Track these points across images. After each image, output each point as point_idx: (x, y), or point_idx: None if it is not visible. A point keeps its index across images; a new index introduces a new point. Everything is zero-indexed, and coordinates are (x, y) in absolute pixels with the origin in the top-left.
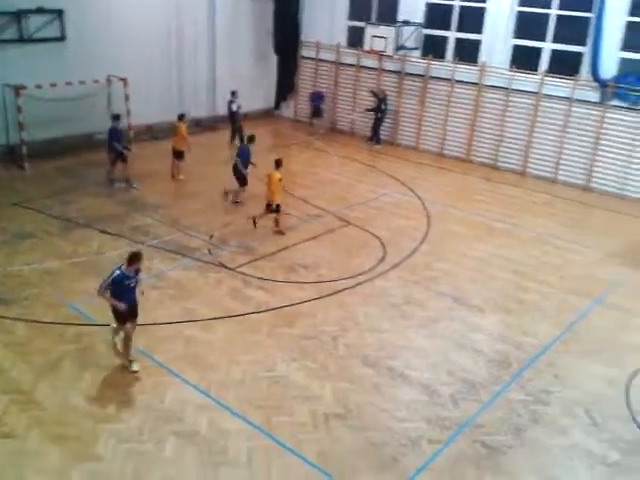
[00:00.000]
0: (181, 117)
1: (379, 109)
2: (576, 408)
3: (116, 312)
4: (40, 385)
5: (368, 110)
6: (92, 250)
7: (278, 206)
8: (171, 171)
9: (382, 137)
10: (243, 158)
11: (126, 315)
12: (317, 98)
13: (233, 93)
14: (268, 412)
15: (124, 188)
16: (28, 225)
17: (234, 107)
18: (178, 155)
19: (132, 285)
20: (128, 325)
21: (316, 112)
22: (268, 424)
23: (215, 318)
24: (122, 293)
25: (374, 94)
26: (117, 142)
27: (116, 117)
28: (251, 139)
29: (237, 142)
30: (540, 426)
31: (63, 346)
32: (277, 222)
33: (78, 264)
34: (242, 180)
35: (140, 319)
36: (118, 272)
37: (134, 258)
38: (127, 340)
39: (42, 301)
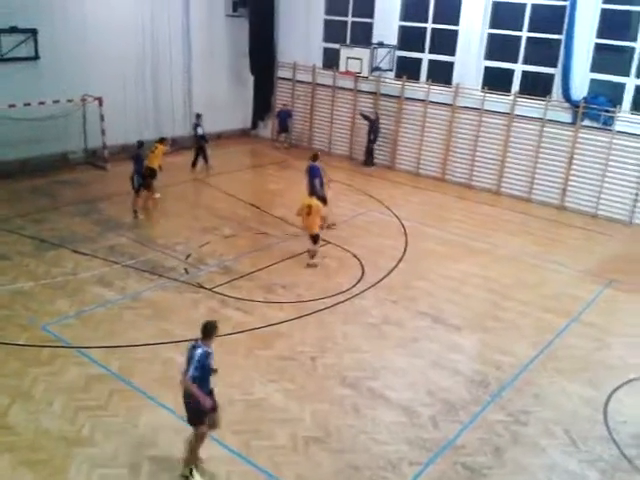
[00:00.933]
0: (162, 140)
1: (372, 131)
2: (555, 428)
3: (198, 410)
4: (13, 409)
5: (370, 136)
6: (66, 271)
7: (318, 236)
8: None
9: (359, 156)
10: (318, 177)
11: (209, 410)
12: (284, 115)
13: (198, 116)
14: (246, 436)
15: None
16: (0, 246)
17: (200, 131)
18: (151, 174)
19: (212, 365)
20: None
21: (283, 128)
22: (246, 448)
23: (192, 339)
24: (205, 378)
25: (364, 117)
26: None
27: (141, 144)
28: (316, 157)
29: (203, 165)
30: (520, 446)
31: (37, 369)
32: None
33: (51, 285)
34: (323, 201)
35: (115, 341)
36: (201, 350)
37: (213, 329)
38: (201, 441)
39: (15, 323)
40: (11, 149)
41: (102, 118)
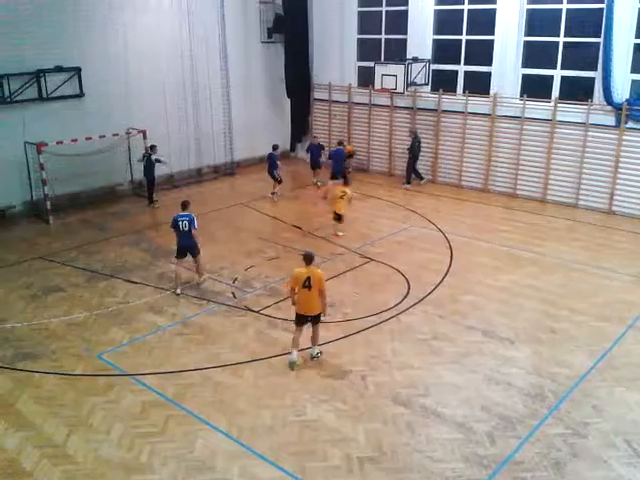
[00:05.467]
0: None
1: (412, 148)
2: (616, 439)
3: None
4: (72, 438)
5: (410, 151)
6: (118, 300)
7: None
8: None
9: (399, 171)
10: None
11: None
12: (315, 149)
13: (152, 147)
14: (301, 457)
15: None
16: (54, 278)
17: (154, 158)
18: (338, 218)
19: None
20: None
21: (315, 164)
22: (301, 470)
23: (242, 362)
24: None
25: (414, 134)
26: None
27: (275, 147)
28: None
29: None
30: (580, 459)
31: (94, 398)
32: None
33: (105, 315)
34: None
35: (168, 367)
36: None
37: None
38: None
39: (70, 353)
40: (61, 184)
41: (146, 150)
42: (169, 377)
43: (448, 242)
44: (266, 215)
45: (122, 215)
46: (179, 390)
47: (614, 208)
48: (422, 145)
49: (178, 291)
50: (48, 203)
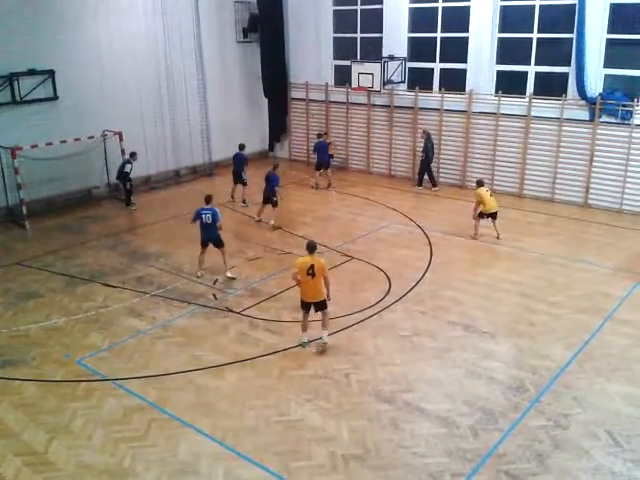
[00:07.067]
0: (480, 183)
1: (426, 150)
2: (597, 429)
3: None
4: (53, 445)
5: (424, 153)
6: (97, 304)
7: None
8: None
9: (377, 169)
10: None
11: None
12: (275, 179)
13: (132, 155)
14: (285, 457)
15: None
16: (32, 284)
17: (128, 168)
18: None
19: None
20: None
21: (268, 198)
22: (286, 470)
23: (224, 364)
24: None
25: (426, 134)
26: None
27: (242, 146)
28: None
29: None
30: (562, 451)
31: (74, 404)
32: None
33: (84, 319)
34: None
35: (149, 371)
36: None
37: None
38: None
39: (50, 359)
40: (37, 189)
41: (123, 152)
42: (150, 381)
43: (428, 239)
44: (244, 215)
45: (99, 219)
46: (161, 394)
47: (590, 201)
48: (399, 142)
49: (199, 274)
50: (24, 208)
